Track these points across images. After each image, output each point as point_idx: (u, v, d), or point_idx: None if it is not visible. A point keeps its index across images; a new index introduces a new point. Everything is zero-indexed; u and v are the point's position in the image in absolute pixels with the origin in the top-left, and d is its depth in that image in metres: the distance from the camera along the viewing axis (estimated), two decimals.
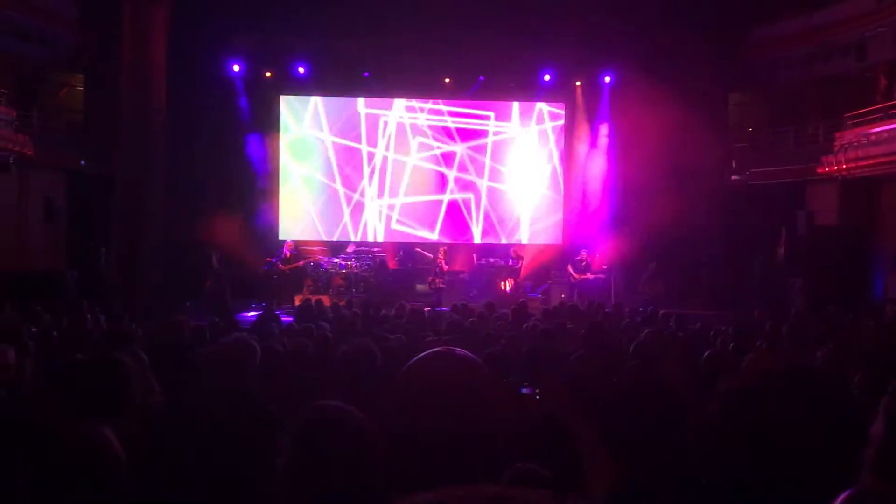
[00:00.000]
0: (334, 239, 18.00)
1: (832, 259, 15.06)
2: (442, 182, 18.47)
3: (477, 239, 18.47)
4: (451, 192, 18.44)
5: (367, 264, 16.64)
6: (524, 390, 4.25)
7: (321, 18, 16.11)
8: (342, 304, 11.77)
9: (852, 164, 15.37)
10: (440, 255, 16.17)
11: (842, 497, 1.30)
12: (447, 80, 18.16)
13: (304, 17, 16.20)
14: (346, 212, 18.21)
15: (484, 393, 1.52)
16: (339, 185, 18.24)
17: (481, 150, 18.55)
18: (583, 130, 18.67)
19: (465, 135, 18.47)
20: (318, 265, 16.61)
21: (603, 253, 16.89)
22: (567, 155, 18.71)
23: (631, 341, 5.60)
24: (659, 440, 2.41)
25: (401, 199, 18.33)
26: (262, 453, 1.75)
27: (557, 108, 18.68)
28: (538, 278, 17.48)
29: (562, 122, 18.70)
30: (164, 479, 1.76)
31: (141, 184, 15.43)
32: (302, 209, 18.17)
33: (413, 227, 18.34)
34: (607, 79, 18.28)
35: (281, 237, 17.43)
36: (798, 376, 1.59)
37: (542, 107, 18.67)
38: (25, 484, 1.94)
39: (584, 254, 16.39)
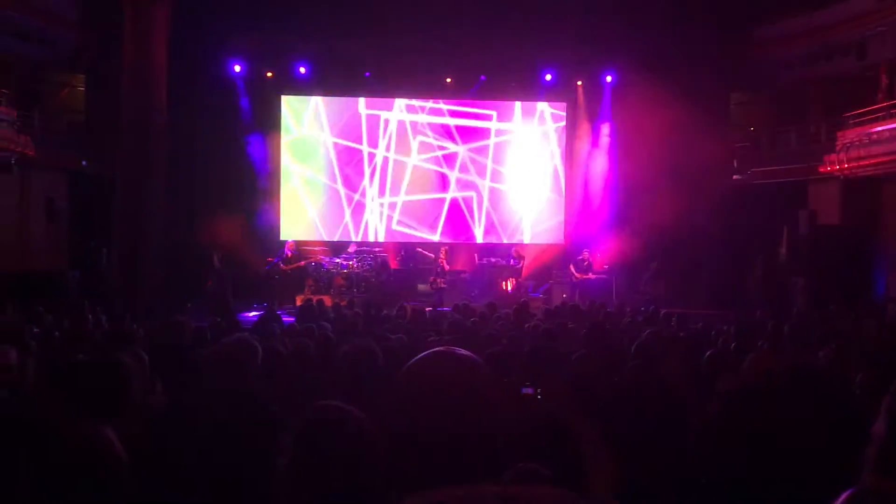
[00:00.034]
0: (335, 239, 18.01)
1: (834, 259, 15.04)
2: (443, 182, 18.47)
3: (478, 239, 18.47)
4: (453, 191, 18.44)
5: (369, 264, 16.63)
6: (525, 390, 4.24)
7: (322, 18, 16.12)
8: (344, 304, 11.77)
9: (854, 164, 15.36)
10: (441, 255, 16.17)
11: (843, 496, 1.29)
12: (448, 80, 18.17)
13: (305, 17, 16.21)
14: (347, 212, 18.22)
15: (484, 393, 1.52)
16: (339, 186, 18.24)
17: (482, 149, 18.55)
18: (584, 130, 18.66)
19: (467, 134, 18.47)
20: (319, 265, 16.60)
21: (605, 253, 16.88)
22: (568, 154, 18.70)
23: (632, 341, 5.59)
24: (659, 440, 2.41)
25: (402, 199, 18.33)
26: (263, 453, 1.76)
27: (559, 107, 18.68)
28: (540, 278, 17.47)
29: (563, 121, 18.69)
30: (166, 479, 1.76)
31: (142, 184, 15.44)
32: (303, 209, 18.18)
33: (414, 227, 18.34)
34: (609, 78, 18.29)
35: (282, 237, 17.43)
36: (800, 376, 1.59)
37: (543, 106, 18.66)
38: (27, 484, 1.94)
39: (586, 254, 16.39)
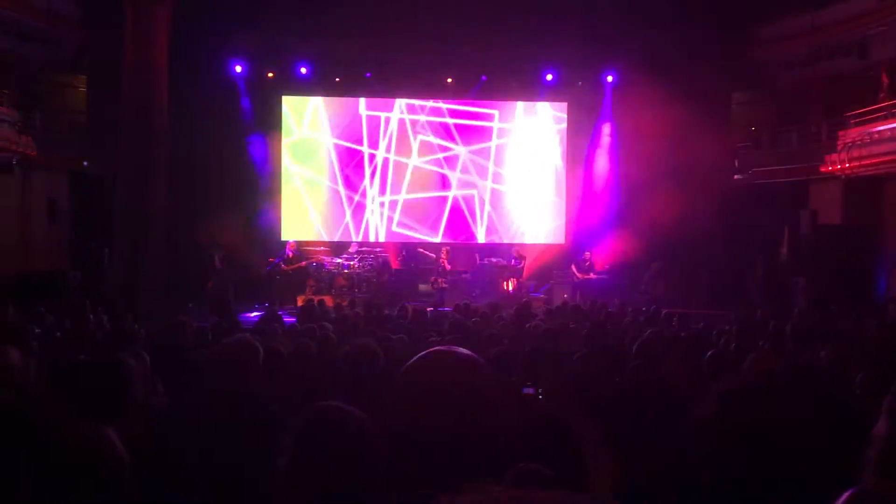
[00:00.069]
0: (336, 239, 18.02)
1: (835, 258, 15.03)
2: (444, 182, 18.47)
3: (479, 239, 18.47)
4: (454, 191, 18.44)
5: (370, 264, 16.63)
6: (527, 390, 4.24)
7: (323, 19, 16.13)
8: (345, 304, 11.78)
9: (855, 163, 15.34)
10: (443, 255, 16.18)
11: (844, 497, 1.29)
12: (449, 80, 18.17)
13: (306, 17, 16.22)
14: (348, 212, 18.22)
15: (485, 392, 1.52)
16: (340, 186, 18.25)
17: (483, 149, 18.54)
18: (585, 130, 18.66)
19: (468, 134, 18.47)
20: (320, 266, 16.60)
21: (606, 253, 16.88)
22: (570, 154, 18.69)
23: (634, 341, 5.59)
24: (660, 440, 2.41)
25: (403, 199, 18.33)
26: (264, 453, 1.76)
27: (560, 107, 18.67)
28: (541, 278, 17.47)
29: (564, 121, 18.69)
30: (167, 479, 1.76)
31: (143, 184, 15.45)
32: (304, 210, 18.18)
33: (415, 227, 18.34)
34: (610, 78, 18.28)
35: (283, 238, 17.44)
36: (801, 376, 1.59)
37: (544, 106, 18.66)
38: (29, 484, 1.94)
39: (587, 254, 16.40)
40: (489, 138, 18.56)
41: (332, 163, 18.25)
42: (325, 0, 16.18)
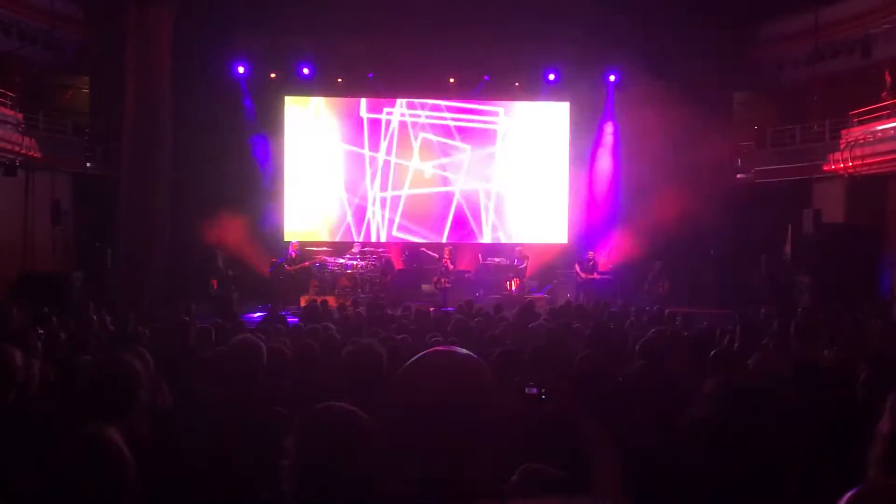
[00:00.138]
0: (339, 240, 18.02)
1: (839, 257, 14.99)
2: (446, 182, 18.47)
3: (482, 239, 18.46)
4: (456, 191, 18.43)
5: (373, 265, 16.64)
6: (530, 390, 4.24)
7: (325, 19, 16.14)
8: (348, 304, 11.79)
9: (859, 162, 15.31)
10: (446, 255, 16.18)
11: (848, 495, 1.29)
12: (451, 81, 18.18)
13: (309, 18, 16.24)
14: (350, 212, 18.23)
15: (484, 392, 1.52)
16: (343, 186, 18.25)
17: (486, 149, 18.53)
18: (588, 129, 18.64)
19: (470, 134, 18.47)
20: (323, 266, 16.61)
21: (609, 252, 16.88)
22: (572, 154, 18.68)
23: (637, 341, 5.58)
24: (663, 439, 2.41)
25: (405, 199, 18.33)
26: (267, 453, 1.76)
27: (562, 107, 18.66)
28: (543, 278, 17.46)
29: (567, 121, 18.68)
30: (171, 478, 1.77)
31: (146, 185, 15.49)
32: (307, 210, 18.19)
33: (418, 227, 18.34)
34: (612, 77, 18.27)
35: (286, 238, 17.45)
36: (805, 374, 1.59)
37: (546, 106, 18.65)
38: (33, 484, 1.95)
39: (591, 254, 16.40)
40: (491, 138, 18.55)
41: (334, 162, 18.25)
42: (328, 0, 16.19)
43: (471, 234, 18.44)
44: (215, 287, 15.65)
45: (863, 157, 15.22)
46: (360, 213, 18.24)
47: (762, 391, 1.53)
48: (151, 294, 14.51)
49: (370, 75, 17.75)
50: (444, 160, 18.39)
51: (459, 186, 18.41)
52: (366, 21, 16.09)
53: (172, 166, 15.94)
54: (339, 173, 18.23)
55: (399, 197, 18.29)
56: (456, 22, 16.01)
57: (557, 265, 17.48)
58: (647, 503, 2.65)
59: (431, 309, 10.58)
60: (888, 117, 15.07)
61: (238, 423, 2.58)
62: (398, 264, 17.38)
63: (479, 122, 18.52)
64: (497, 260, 17.05)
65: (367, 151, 18.27)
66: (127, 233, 15.53)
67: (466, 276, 17.09)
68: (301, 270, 16.21)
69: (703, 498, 1.51)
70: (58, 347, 6.14)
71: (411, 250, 17.68)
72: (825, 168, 16.19)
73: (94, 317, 8.45)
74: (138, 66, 15.36)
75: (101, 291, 13.94)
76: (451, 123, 18.40)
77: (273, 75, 17.94)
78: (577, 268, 16.32)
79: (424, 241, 18.08)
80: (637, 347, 5.13)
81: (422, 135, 18.35)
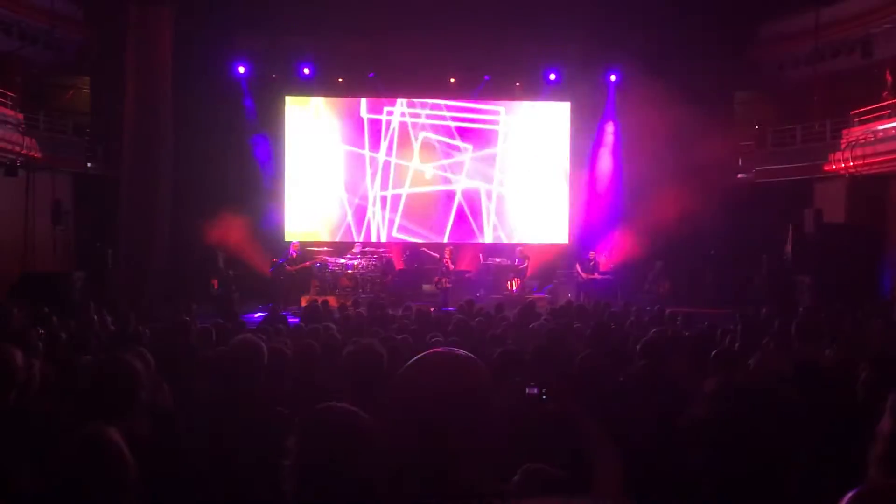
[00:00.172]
0: (339, 240, 18.03)
1: (840, 257, 14.99)
2: (447, 182, 18.47)
3: (483, 238, 18.47)
4: (457, 191, 18.44)
5: (374, 265, 16.65)
6: (531, 390, 4.24)
7: (326, 19, 16.15)
8: (349, 304, 11.79)
9: (859, 162, 15.32)
10: (446, 255, 16.18)
11: (850, 495, 1.29)
12: (452, 80, 18.19)
13: (309, 18, 16.25)
14: (350, 212, 18.24)
15: (483, 392, 1.52)
16: (343, 186, 18.25)
17: (486, 149, 18.54)
18: (589, 129, 18.65)
19: (470, 134, 18.47)
20: (324, 266, 16.62)
21: (610, 252, 16.88)
22: (573, 154, 18.68)
23: (638, 341, 5.58)
24: (664, 439, 2.41)
25: (406, 199, 18.33)
26: (268, 454, 1.76)
27: (563, 107, 18.66)
28: (544, 278, 17.47)
29: (567, 121, 18.68)
30: (172, 478, 1.77)
31: (147, 185, 15.50)
32: (308, 210, 18.20)
33: (419, 227, 18.35)
34: (613, 77, 18.27)
35: (287, 238, 17.46)
36: (806, 374, 1.59)
37: (547, 106, 18.65)
38: (33, 484, 1.95)
39: (592, 254, 16.40)
40: (492, 138, 18.56)
41: (335, 162, 18.26)
42: (328, 0, 16.19)
43: (471, 234, 18.45)
44: (216, 287, 15.64)
45: (863, 156, 15.22)
46: (360, 213, 18.25)
47: (763, 391, 1.53)
48: (152, 294, 14.52)
49: (371, 75, 17.76)
50: (444, 160, 18.39)
51: (460, 186, 18.42)
52: (366, 21, 16.09)
53: (173, 166, 15.95)
54: (339, 173, 18.24)
55: (399, 196, 18.30)
56: (457, 22, 16.01)
57: (558, 265, 17.48)
58: (647, 503, 2.65)
59: (432, 309, 10.58)
60: (889, 117, 15.07)
61: (239, 424, 2.58)
62: (399, 264, 17.38)
63: (479, 122, 18.52)
64: (498, 260, 17.05)
65: (367, 151, 18.28)
66: (127, 233, 15.54)
67: (467, 276, 17.10)
68: (302, 270, 16.21)
69: (704, 498, 1.51)
70: (58, 347, 6.13)
71: (412, 250, 17.68)
72: (826, 168, 16.19)
73: (95, 317, 8.45)
74: (139, 66, 15.37)
75: (101, 291, 13.94)
76: (452, 123, 18.41)
77: (274, 75, 17.94)
78: (578, 268, 16.32)
79: (425, 241, 18.08)
80: (638, 347, 5.12)
81: (422, 135, 18.35)
